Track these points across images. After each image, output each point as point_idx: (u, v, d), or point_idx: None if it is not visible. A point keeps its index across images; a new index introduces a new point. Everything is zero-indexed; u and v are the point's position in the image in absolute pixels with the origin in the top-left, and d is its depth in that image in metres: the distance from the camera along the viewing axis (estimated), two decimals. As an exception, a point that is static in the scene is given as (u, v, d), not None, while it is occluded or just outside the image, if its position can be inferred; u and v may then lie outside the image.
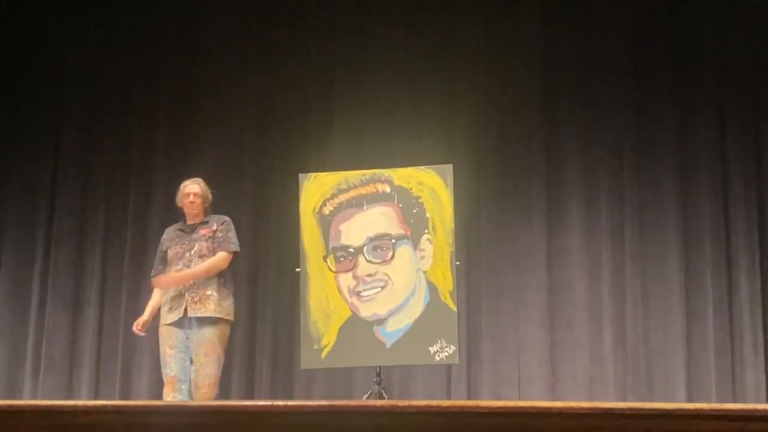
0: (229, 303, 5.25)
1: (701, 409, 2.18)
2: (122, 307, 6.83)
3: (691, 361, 6.33)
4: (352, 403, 2.26)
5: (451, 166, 5.91)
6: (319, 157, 6.73)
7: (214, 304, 5.15)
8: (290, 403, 2.19)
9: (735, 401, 6.14)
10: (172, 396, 5.03)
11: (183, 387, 5.05)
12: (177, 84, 7.25)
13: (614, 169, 6.65)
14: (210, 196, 5.40)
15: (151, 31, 7.33)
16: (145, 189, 7.06)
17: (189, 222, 5.37)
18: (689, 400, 6.22)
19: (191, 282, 5.14)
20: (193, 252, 5.24)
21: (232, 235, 5.36)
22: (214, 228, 5.33)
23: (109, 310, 6.96)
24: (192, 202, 5.31)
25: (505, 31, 6.93)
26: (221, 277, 5.25)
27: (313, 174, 6.03)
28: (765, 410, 2.13)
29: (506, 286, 6.63)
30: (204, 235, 5.28)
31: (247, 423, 2.23)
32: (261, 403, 2.23)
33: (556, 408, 2.20)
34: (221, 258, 5.26)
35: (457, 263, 5.81)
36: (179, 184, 5.45)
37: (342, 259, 5.87)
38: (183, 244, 5.28)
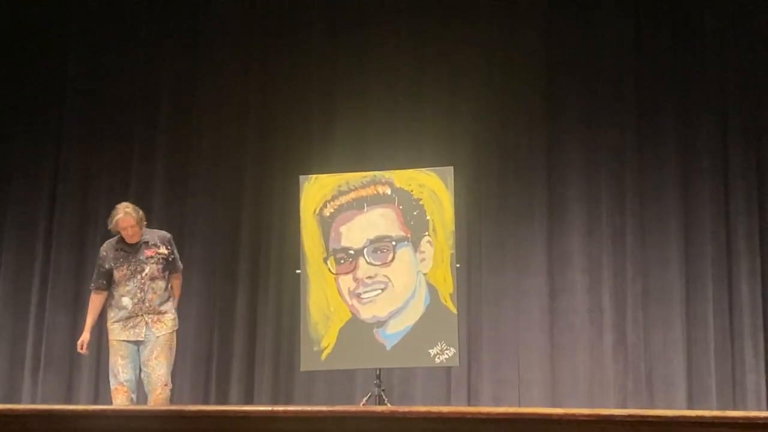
0: (176, 314, 5.41)
1: (702, 416, 2.17)
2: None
3: (692, 365, 6.32)
4: (352, 408, 2.26)
5: (451, 168, 5.91)
6: (320, 159, 6.73)
7: (170, 320, 5.34)
8: (290, 408, 2.19)
9: (735, 405, 6.13)
10: (125, 404, 5.12)
11: (134, 396, 5.23)
12: (178, 85, 7.24)
13: (615, 172, 6.64)
14: (143, 217, 5.40)
15: (153, 32, 7.32)
16: (146, 191, 7.05)
17: (129, 242, 5.37)
18: (689, 404, 6.21)
19: (147, 304, 5.27)
20: (144, 274, 5.30)
21: (177, 254, 5.50)
22: (160, 249, 5.37)
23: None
24: (130, 235, 5.32)
25: (506, 33, 6.92)
26: (170, 292, 5.40)
27: (314, 176, 6.03)
28: (766, 417, 2.13)
29: (507, 289, 6.62)
30: (151, 257, 5.34)
31: (247, 428, 2.23)
32: (261, 408, 2.22)
33: (556, 414, 2.20)
34: (180, 282, 5.55)
35: (458, 265, 5.81)
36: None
37: (342, 261, 5.87)
38: (130, 265, 5.31)
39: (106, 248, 5.43)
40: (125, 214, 5.31)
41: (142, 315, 5.26)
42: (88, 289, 5.64)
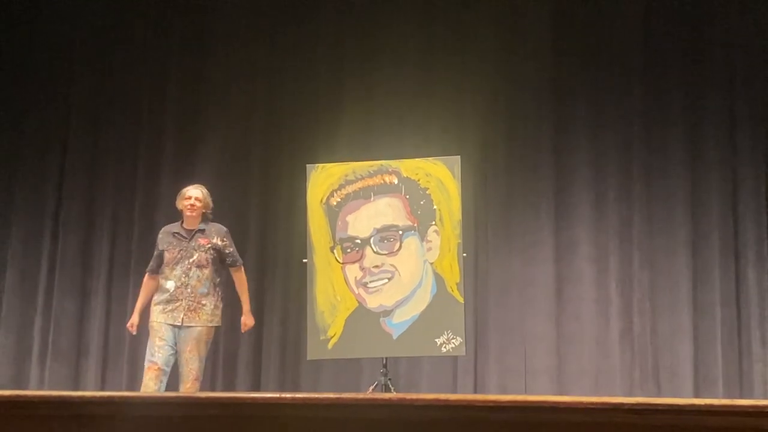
0: (219, 311, 5.44)
1: (711, 405, 2.17)
2: (129, 297, 6.83)
3: (699, 354, 6.31)
4: (360, 396, 2.26)
5: (459, 157, 5.90)
6: (327, 148, 6.72)
7: (207, 314, 5.35)
8: (298, 395, 2.19)
9: (742, 395, 6.13)
10: (153, 382, 5.19)
11: (164, 378, 5.25)
12: (185, 74, 7.24)
13: (623, 161, 6.63)
14: (211, 203, 5.52)
15: (160, 21, 7.32)
16: (153, 179, 7.06)
17: (186, 226, 5.46)
18: (696, 393, 6.21)
19: (189, 291, 5.32)
20: (191, 260, 5.35)
21: (234, 248, 5.57)
22: (215, 240, 5.43)
23: (116, 299, 6.97)
24: (192, 206, 5.42)
25: (514, 23, 6.90)
26: (217, 287, 5.44)
27: (321, 165, 6.02)
28: (775, 406, 2.12)
29: (513, 278, 6.62)
30: (203, 246, 5.39)
31: (255, 415, 2.23)
32: (269, 395, 2.23)
33: (564, 402, 2.20)
34: (244, 276, 5.61)
35: (464, 255, 5.81)
36: (183, 183, 5.58)
37: (349, 250, 5.87)
38: (181, 249, 5.38)
39: (163, 232, 5.53)
40: (195, 186, 5.47)
41: (182, 300, 5.30)
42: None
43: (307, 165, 6.03)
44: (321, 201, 5.93)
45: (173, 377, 5.33)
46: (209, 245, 5.40)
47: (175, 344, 5.28)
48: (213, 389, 6.77)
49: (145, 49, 7.30)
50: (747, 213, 6.43)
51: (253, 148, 7.09)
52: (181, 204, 5.46)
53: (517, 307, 6.58)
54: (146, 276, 5.53)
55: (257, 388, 6.73)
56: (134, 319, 5.47)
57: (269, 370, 6.77)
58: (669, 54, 6.68)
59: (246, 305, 5.58)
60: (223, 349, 6.84)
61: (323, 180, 5.96)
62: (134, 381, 6.78)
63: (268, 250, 6.96)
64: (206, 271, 5.36)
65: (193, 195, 5.43)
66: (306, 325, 5.92)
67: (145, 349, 5.36)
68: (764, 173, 6.47)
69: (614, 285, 6.48)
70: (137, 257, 6.89)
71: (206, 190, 5.52)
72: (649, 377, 6.32)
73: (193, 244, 5.37)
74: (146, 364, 5.27)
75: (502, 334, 6.58)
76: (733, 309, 6.34)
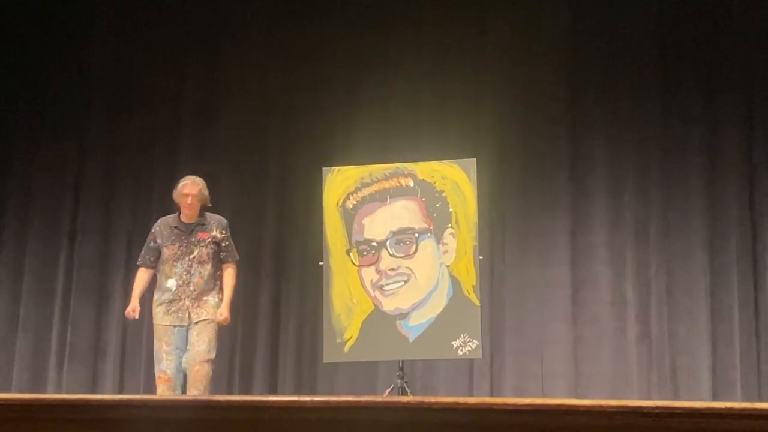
0: (219, 306, 5.31)
1: (730, 408, 2.16)
2: (146, 299, 6.85)
3: (716, 358, 6.27)
4: (378, 399, 2.26)
5: (474, 160, 5.90)
6: (343, 151, 6.73)
7: (212, 308, 5.25)
8: (317, 398, 2.19)
9: (760, 398, 6.08)
10: (168, 393, 5.07)
11: (179, 386, 5.13)
12: (201, 76, 7.26)
13: (640, 164, 6.60)
14: (208, 195, 5.38)
15: (176, 22, 7.34)
16: (170, 181, 7.06)
17: (185, 220, 5.34)
18: (714, 397, 6.17)
19: (192, 288, 5.20)
20: (192, 257, 5.25)
21: (232, 242, 5.42)
22: (214, 233, 5.33)
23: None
24: (190, 204, 5.29)
25: (530, 24, 6.88)
26: (217, 282, 5.32)
27: (337, 168, 6.03)
28: (795, 410, 2.11)
29: (530, 281, 6.60)
30: (203, 240, 5.29)
31: (274, 418, 2.23)
32: (287, 398, 2.23)
33: (583, 406, 2.19)
34: (234, 272, 5.39)
35: (481, 258, 5.80)
36: (180, 180, 5.43)
37: (365, 253, 5.87)
38: (181, 245, 5.26)
39: (161, 224, 5.37)
40: (191, 182, 5.31)
41: (184, 299, 5.18)
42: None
43: (323, 168, 6.04)
44: (337, 204, 5.94)
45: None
46: (209, 239, 5.29)
47: (184, 344, 5.14)
48: (230, 391, 6.79)
49: (161, 54, 7.32)
50: (765, 215, 6.38)
51: (270, 151, 7.11)
52: (178, 199, 5.32)
53: (534, 310, 6.56)
54: (141, 269, 5.34)
55: (274, 391, 6.74)
56: (134, 304, 5.25)
57: (285, 373, 6.78)
58: (686, 55, 6.64)
59: (227, 299, 5.30)
60: (240, 351, 6.86)
61: (339, 183, 5.96)
62: (152, 384, 6.75)
63: (285, 253, 6.97)
64: (208, 267, 5.25)
65: (190, 193, 5.27)
66: (322, 328, 5.92)
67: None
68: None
69: (631, 288, 6.45)
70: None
71: (203, 184, 5.35)
72: (666, 380, 6.29)
73: (192, 239, 5.25)
74: (157, 373, 5.16)
75: (519, 337, 6.56)
76: (751, 311, 6.29)
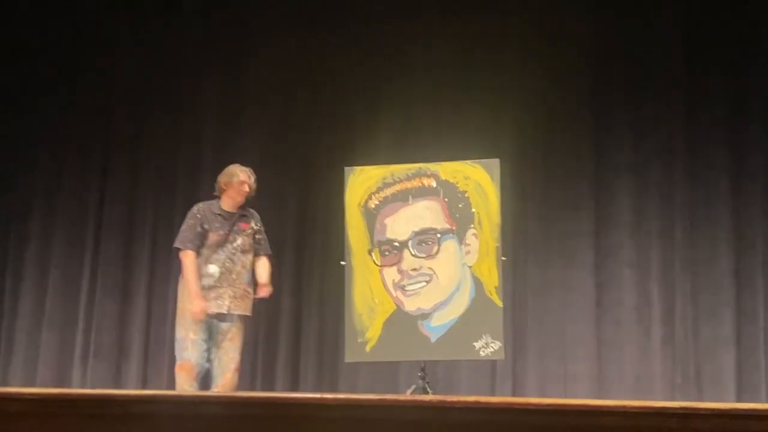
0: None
1: (755, 410, 2.14)
2: (170, 297, 6.89)
3: (741, 360, 6.22)
4: (401, 397, 2.26)
5: (498, 160, 5.88)
6: (365, 151, 6.72)
7: (250, 301, 5.24)
8: (340, 396, 2.20)
9: (786, 402, 6.03)
10: (189, 384, 5.00)
11: (199, 376, 5.05)
12: (224, 77, 7.30)
13: (665, 165, 6.55)
14: (256, 189, 5.40)
15: (201, 24, 7.38)
16: (193, 180, 7.12)
17: (228, 209, 5.29)
18: (738, 399, 6.12)
19: (234, 277, 5.15)
20: (236, 245, 5.21)
21: (265, 236, 5.43)
22: (254, 225, 5.34)
23: (158, 299, 7.03)
24: (244, 192, 5.28)
25: (553, 24, 6.85)
26: (252, 273, 5.29)
27: (359, 167, 6.03)
28: (823, 412, 2.09)
29: (553, 283, 6.57)
30: (245, 230, 5.27)
31: (296, 415, 2.24)
32: (310, 395, 2.23)
33: (607, 407, 2.18)
34: (268, 265, 5.37)
35: (503, 258, 5.78)
36: (230, 166, 5.41)
37: (387, 253, 5.86)
38: (225, 232, 5.20)
39: (204, 209, 5.25)
40: (249, 172, 5.29)
41: (227, 287, 5.12)
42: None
43: (345, 168, 6.04)
44: (359, 204, 5.94)
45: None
46: (250, 230, 5.29)
47: (210, 337, 5.06)
48: (252, 389, 6.81)
49: (185, 55, 7.36)
50: (791, 217, 6.33)
51: (291, 150, 7.12)
52: (233, 186, 5.23)
53: (557, 312, 6.53)
54: (191, 254, 5.12)
55: (296, 389, 6.75)
56: (202, 303, 5.02)
57: (307, 372, 6.79)
58: (712, 57, 6.59)
59: (269, 277, 5.24)
60: (262, 350, 6.88)
61: (361, 183, 5.96)
62: (175, 381, 6.83)
63: (306, 252, 6.99)
64: (249, 257, 5.23)
65: (248, 182, 5.26)
66: (344, 328, 5.92)
67: None
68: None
69: (656, 290, 6.41)
70: (178, 259, 6.95)
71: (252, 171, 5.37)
72: (691, 383, 6.24)
73: (236, 228, 5.22)
74: (178, 362, 5.02)
75: (542, 339, 6.53)
76: (777, 314, 6.24)
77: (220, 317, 5.11)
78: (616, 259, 6.51)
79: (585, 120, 6.72)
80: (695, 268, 6.40)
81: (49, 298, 7.20)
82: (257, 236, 5.36)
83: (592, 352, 6.42)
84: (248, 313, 5.24)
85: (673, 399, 6.16)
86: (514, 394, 6.43)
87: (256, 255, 5.35)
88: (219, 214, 5.25)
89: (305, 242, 7.00)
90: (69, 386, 6.92)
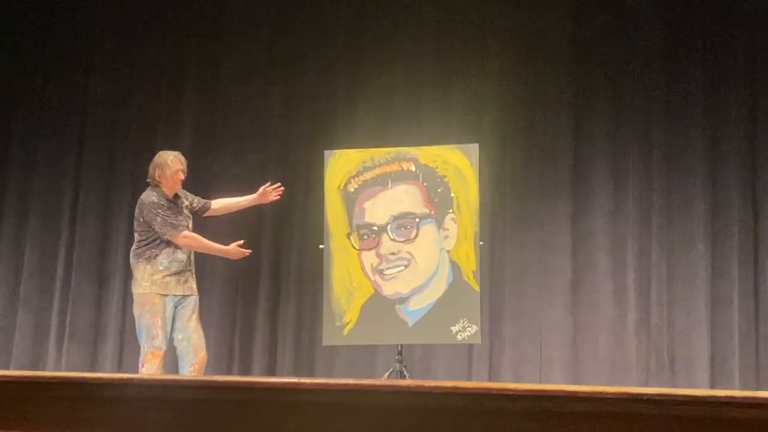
0: None
1: (731, 396, 2.15)
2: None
3: (715, 346, 6.28)
4: (377, 382, 2.25)
5: (477, 145, 5.89)
6: (345, 134, 6.71)
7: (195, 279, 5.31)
8: (316, 380, 2.19)
9: (759, 387, 6.09)
10: (160, 370, 5.05)
11: (163, 360, 5.12)
12: (203, 60, 7.24)
13: (642, 152, 6.58)
14: None
15: (177, 6, 7.31)
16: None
17: (170, 194, 5.27)
18: (712, 385, 6.18)
19: (193, 258, 5.26)
20: (189, 227, 5.26)
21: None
22: (189, 199, 5.37)
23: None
24: (181, 179, 5.28)
25: (534, 9, 6.85)
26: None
27: (339, 151, 6.02)
28: (796, 399, 2.10)
29: (530, 268, 6.60)
30: (186, 211, 5.32)
31: (273, 400, 2.23)
32: (287, 380, 2.23)
33: (583, 392, 2.18)
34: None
35: (481, 243, 5.79)
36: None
37: (365, 236, 5.86)
38: (179, 217, 5.24)
39: (158, 198, 5.20)
40: (178, 156, 5.27)
41: (191, 269, 5.22)
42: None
43: (325, 151, 6.03)
44: (338, 187, 5.93)
45: (171, 354, 5.22)
46: (188, 207, 5.34)
47: (172, 320, 5.13)
48: (229, 373, 6.80)
49: (162, 37, 7.30)
50: (766, 205, 6.37)
51: (272, 133, 7.09)
52: (169, 175, 5.21)
53: (534, 297, 6.57)
54: (188, 233, 5.20)
55: (272, 373, 6.76)
56: (233, 245, 5.30)
57: (284, 356, 6.79)
58: (689, 39, 6.61)
59: (218, 247, 5.36)
60: (240, 333, 6.87)
61: (341, 166, 5.95)
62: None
63: (285, 235, 6.97)
64: None
65: (181, 168, 5.25)
66: (322, 311, 5.92)
67: None
68: (785, 165, 6.41)
69: (631, 275, 6.45)
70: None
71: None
72: (665, 368, 6.30)
73: (185, 212, 5.28)
74: (149, 350, 5.04)
75: (518, 323, 6.56)
76: (751, 301, 6.29)
77: (181, 300, 5.17)
78: (593, 244, 6.54)
79: (564, 106, 6.73)
80: (671, 254, 6.44)
81: (25, 279, 7.14)
82: (194, 205, 5.38)
83: (568, 336, 6.46)
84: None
85: (647, 384, 6.22)
86: (490, 378, 6.46)
87: (204, 210, 5.40)
88: (170, 201, 5.27)
89: (284, 225, 6.98)
90: (44, 368, 6.88)
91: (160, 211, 5.16)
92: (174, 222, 5.17)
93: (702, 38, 6.59)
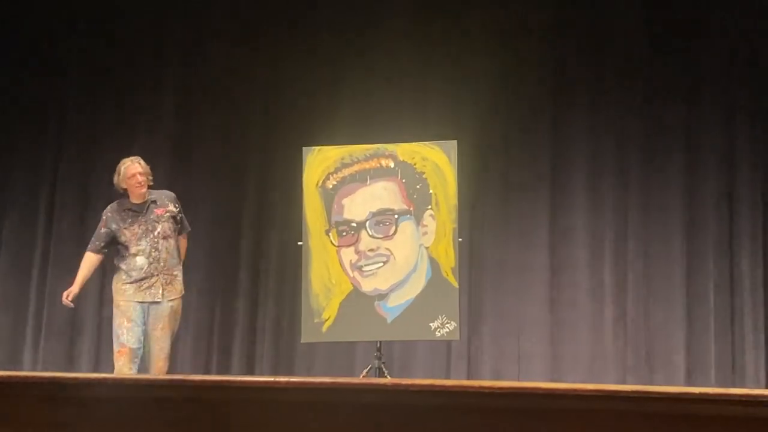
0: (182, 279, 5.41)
1: (706, 393, 2.17)
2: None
3: (692, 341, 6.33)
4: (355, 380, 2.26)
5: (455, 142, 5.89)
6: (324, 131, 6.69)
7: (179, 284, 5.34)
8: (293, 379, 2.19)
9: (734, 383, 6.15)
10: (128, 366, 5.11)
11: (137, 359, 5.16)
12: (183, 56, 7.20)
13: (620, 148, 6.62)
14: (150, 171, 5.40)
15: (156, 3, 7.27)
16: (149, 161, 7.00)
17: (137, 201, 5.34)
18: (688, 380, 6.23)
19: (162, 264, 5.25)
20: (157, 233, 5.27)
21: (183, 214, 5.49)
22: (170, 207, 5.37)
23: (110, 279, 6.92)
24: (140, 183, 5.30)
25: (514, 6, 6.86)
26: (179, 254, 5.39)
27: (317, 148, 6.00)
28: (769, 396, 2.13)
29: (508, 264, 6.62)
30: (162, 216, 5.32)
31: (250, 398, 2.23)
32: (264, 379, 2.22)
33: (560, 389, 2.20)
34: (186, 243, 5.52)
35: (460, 240, 5.80)
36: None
37: (344, 233, 5.86)
38: (141, 224, 5.27)
39: (110, 210, 5.37)
40: (135, 162, 5.30)
41: (157, 275, 5.22)
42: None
43: (304, 148, 6.01)
44: (317, 184, 5.91)
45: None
46: (167, 213, 5.33)
47: (144, 322, 5.17)
48: (207, 371, 6.78)
49: (141, 36, 7.24)
50: (742, 201, 6.43)
51: (250, 130, 7.07)
52: (125, 182, 5.30)
53: (512, 293, 6.59)
54: (88, 254, 5.36)
55: (251, 370, 6.74)
56: (74, 289, 5.28)
57: (263, 353, 6.78)
58: (669, 42, 6.65)
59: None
60: (218, 331, 6.85)
61: (319, 163, 5.94)
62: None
63: (264, 232, 6.95)
64: (172, 242, 5.31)
65: (137, 171, 5.28)
66: (300, 308, 5.92)
67: None
68: (761, 162, 6.46)
69: (609, 271, 6.49)
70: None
71: (139, 159, 5.37)
72: (642, 364, 6.34)
73: (151, 217, 5.28)
74: (116, 348, 5.15)
75: (497, 319, 6.59)
76: (727, 297, 6.34)
77: (150, 306, 5.21)
78: (571, 241, 6.57)
79: (542, 104, 6.75)
80: (648, 250, 6.48)
81: (1, 277, 7.08)
82: (179, 216, 5.42)
83: (546, 333, 6.48)
84: (177, 297, 5.32)
85: (624, 379, 6.26)
86: (469, 374, 6.48)
87: (179, 234, 5.45)
88: (129, 209, 5.32)
89: (263, 222, 6.96)
90: (21, 366, 6.83)
91: (99, 223, 5.38)
92: (94, 237, 5.38)
93: (682, 40, 6.63)
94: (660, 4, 6.69)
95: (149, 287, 5.21)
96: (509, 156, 6.75)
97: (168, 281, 5.25)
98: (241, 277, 6.89)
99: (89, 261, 5.38)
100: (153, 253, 5.24)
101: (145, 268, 5.22)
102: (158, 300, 5.21)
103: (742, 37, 6.55)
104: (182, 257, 5.47)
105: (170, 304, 5.23)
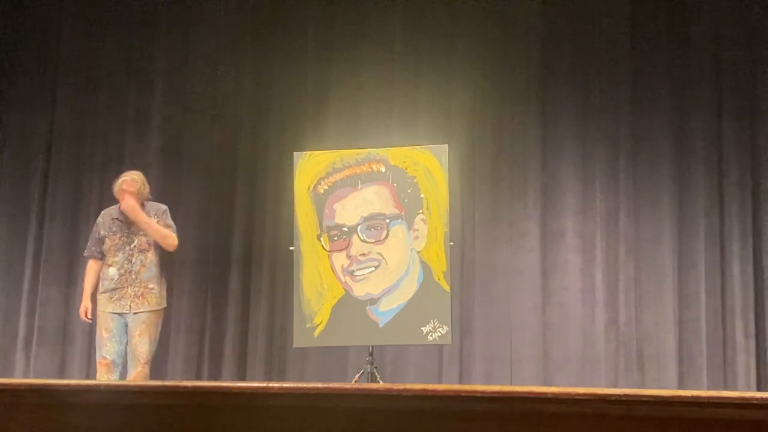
0: (164, 293, 5.39)
1: (698, 396, 2.17)
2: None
3: (683, 344, 6.34)
4: (347, 386, 2.25)
5: (446, 146, 5.90)
6: (315, 136, 6.70)
7: (156, 297, 5.32)
8: (285, 385, 2.19)
9: (726, 385, 6.17)
10: (105, 378, 5.15)
11: (117, 370, 5.22)
12: (173, 59, 7.19)
13: (610, 151, 6.64)
14: (146, 192, 5.41)
15: (147, 8, 7.25)
16: (140, 166, 6.97)
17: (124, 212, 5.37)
18: (680, 383, 6.24)
19: (133, 276, 5.26)
20: (132, 246, 5.30)
21: (171, 223, 5.44)
22: (163, 220, 5.38)
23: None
24: (122, 191, 5.34)
25: (503, 11, 6.88)
26: (161, 269, 5.36)
27: (308, 152, 6.00)
28: (761, 398, 2.13)
29: (500, 267, 6.63)
30: (140, 229, 5.34)
31: (242, 404, 2.22)
32: (255, 384, 2.22)
33: (551, 393, 2.20)
34: (171, 235, 5.37)
35: (451, 244, 5.81)
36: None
37: (336, 238, 5.86)
38: (122, 235, 5.32)
39: (104, 216, 5.44)
40: (131, 179, 5.35)
41: (127, 287, 5.25)
42: (83, 259, 5.67)
43: (295, 153, 6.01)
44: (308, 189, 5.91)
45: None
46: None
47: (124, 333, 5.22)
48: (199, 376, 6.77)
49: (130, 36, 7.23)
50: (732, 204, 6.45)
51: (241, 135, 7.06)
52: (117, 194, 5.38)
53: (504, 296, 6.59)
54: (90, 261, 5.42)
55: (243, 376, 6.73)
56: (86, 303, 5.33)
57: (255, 358, 6.76)
58: (656, 44, 6.68)
59: (159, 228, 5.32)
60: (210, 336, 6.84)
61: (311, 168, 5.94)
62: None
63: (255, 237, 6.94)
64: (149, 255, 5.31)
65: (127, 189, 5.32)
66: (292, 313, 5.91)
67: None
68: (749, 164, 6.48)
69: (600, 275, 6.50)
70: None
71: (141, 179, 5.40)
72: (633, 367, 6.35)
73: (132, 229, 5.32)
74: (98, 358, 5.24)
75: (488, 323, 6.59)
76: (718, 300, 6.36)
77: (125, 316, 5.25)
78: (562, 244, 6.58)
79: (532, 107, 6.77)
80: (639, 253, 6.50)
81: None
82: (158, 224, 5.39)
83: (538, 336, 6.49)
84: (153, 308, 5.29)
85: (616, 382, 6.27)
86: (461, 378, 6.48)
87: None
88: (116, 218, 5.38)
89: (254, 227, 6.95)
90: (12, 374, 6.80)
91: (94, 227, 5.45)
92: (90, 242, 5.43)
93: (669, 41, 6.66)
94: (646, 9, 6.70)
95: (120, 298, 5.26)
96: (500, 160, 6.76)
97: (138, 293, 5.26)
98: (233, 282, 6.88)
99: (91, 269, 5.41)
100: (126, 265, 5.28)
101: (116, 278, 5.27)
102: (126, 311, 5.24)
103: (728, 40, 6.57)
104: (162, 234, 5.30)
105: (137, 316, 5.23)
